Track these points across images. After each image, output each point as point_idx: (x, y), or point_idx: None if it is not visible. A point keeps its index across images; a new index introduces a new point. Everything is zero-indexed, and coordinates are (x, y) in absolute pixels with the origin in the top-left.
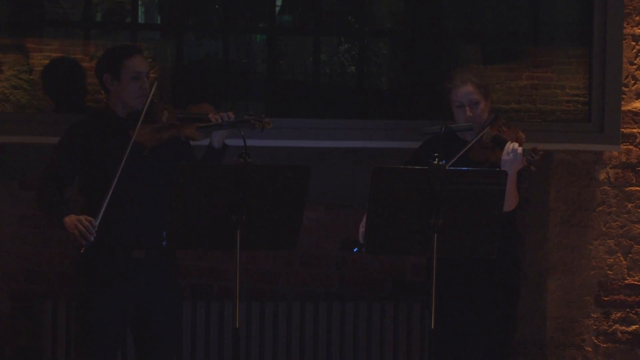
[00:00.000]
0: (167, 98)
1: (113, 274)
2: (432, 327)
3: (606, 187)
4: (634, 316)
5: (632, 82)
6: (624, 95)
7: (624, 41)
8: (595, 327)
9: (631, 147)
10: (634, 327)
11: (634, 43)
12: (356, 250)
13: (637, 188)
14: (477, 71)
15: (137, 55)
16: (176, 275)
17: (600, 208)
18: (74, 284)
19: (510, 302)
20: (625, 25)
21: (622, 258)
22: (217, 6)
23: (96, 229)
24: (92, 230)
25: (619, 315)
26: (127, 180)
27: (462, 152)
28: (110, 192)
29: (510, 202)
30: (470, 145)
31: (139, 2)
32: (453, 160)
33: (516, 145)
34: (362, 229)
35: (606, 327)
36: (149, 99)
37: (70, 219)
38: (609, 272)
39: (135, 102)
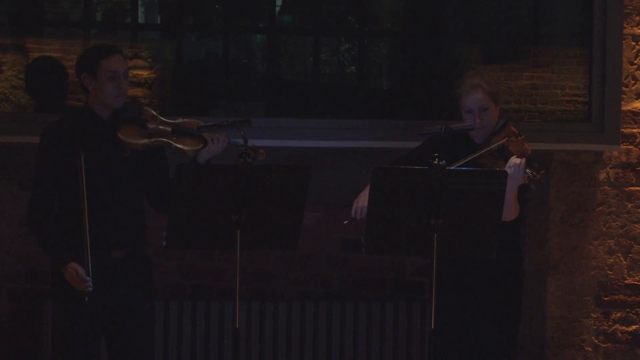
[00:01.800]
0: (164, 100)
1: (92, 274)
2: (432, 327)
3: (606, 187)
4: (634, 316)
5: (632, 82)
6: (624, 95)
7: (624, 41)
8: (595, 327)
9: (631, 147)
10: (634, 327)
11: (634, 43)
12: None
13: (637, 188)
14: (487, 76)
15: (115, 55)
16: (150, 276)
17: (600, 208)
18: (51, 283)
19: (515, 302)
20: (625, 25)
21: (622, 258)
22: (217, 6)
23: (90, 280)
24: (88, 283)
25: (619, 315)
26: (105, 179)
27: (471, 158)
28: (85, 196)
29: (511, 213)
30: (480, 153)
31: (139, 2)
32: (461, 162)
33: (519, 160)
34: (357, 204)
35: (606, 327)
36: (133, 102)
37: (69, 272)
38: (609, 272)
39: (113, 101)
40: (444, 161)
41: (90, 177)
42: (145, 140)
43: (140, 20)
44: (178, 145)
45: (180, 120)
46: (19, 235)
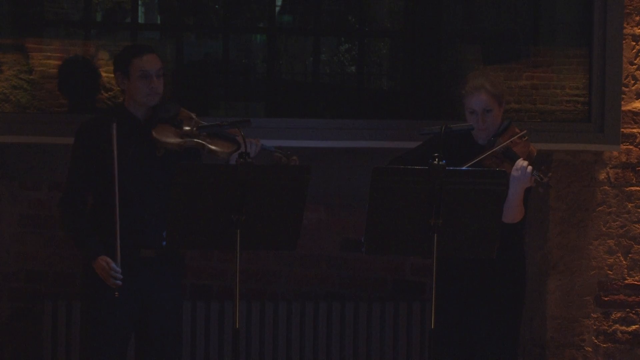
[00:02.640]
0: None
1: (122, 273)
2: (432, 327)
3: (606, 187)
4: (634, 316)
5: (632, 82)
6: (624, 95)
7: (624, 41)
8: (595, 327)
9: (631, 147)
10: (634, 327)
11: (634, 43)
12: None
13: (637, 188)
14: (491, 77)
15: (147, 54)
16: (182, 277)
17: (600, 208)
18: (81, 282)
19: (517, 302)
20: (625, 25)
21: (622, 258)
22: (217, 6)
23: (120, 274)
24: (118, 276)
25: (619, 315)
26: (137, 180)
27: (476, 160)
28: (117, 193)
29: (515, 215)
30: (485, 155)
31: (139, 2)
32: (467, 165)
33: (526, 163)
34: None
35: (606, 327)
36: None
37: (99, 264)
38: (609, 272)
39: (145, 99)
40: (444, 161)
41: (122, 176)
42: (179, 140)
43: (140, 20)
44: (211, 147)
45: (218, 123)
46: (19, 235)
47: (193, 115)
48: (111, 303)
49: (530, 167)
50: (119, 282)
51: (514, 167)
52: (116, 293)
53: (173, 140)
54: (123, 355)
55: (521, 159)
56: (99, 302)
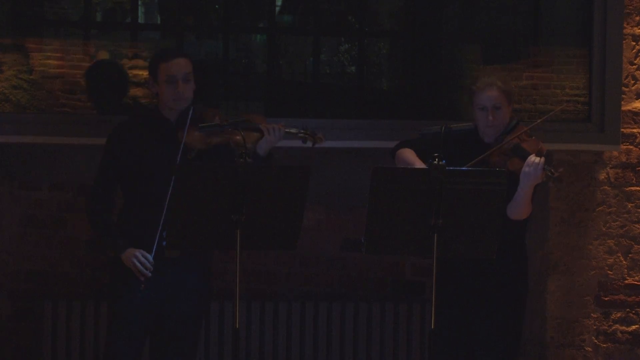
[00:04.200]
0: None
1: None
2: (432, 327)
3: (606, 187)
4: (634, 316)
5: (632, 82)
6: (624, 95)
7: (624, 41)
8: (595, 327)
9: (631, 147)
10: (634, 327)
11: (634, 43)
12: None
13: (637, 188)
14: (502, 75)
15: (174, 58)
16: (208, 279)
17: (600, 208)
18: (107, 282)
19: (519, 302)
20: (625, 25)
21: (622, 258)
22: (217, 6)
23: (152, 264)
24: (149, 266)
25: (619, 315)
26: (165, 180)
27: (482, 156)
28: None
29: (523, 211)
30: (491, 151)
31: (139, 2)
32: (472, 162)
33: (538, 159)
34: None
35: (606, 327)
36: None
37: (127, 256)
38: (609, 272)
39: (172, 104)
40: (444, 161)
41: (153, 179)
42: (206, 140)
43: (140, 20)
44: (236, 138)
45: (243, 117)
46: (19, 235)
47: (218, 113)
48: (135, 302)
49: (542, 163)
50: (149, 274)
51: (526, 163)
52: (142, 285)
53: (199, 140)
54: (139, 354)
55: (533, 154)
56: (124, 300)
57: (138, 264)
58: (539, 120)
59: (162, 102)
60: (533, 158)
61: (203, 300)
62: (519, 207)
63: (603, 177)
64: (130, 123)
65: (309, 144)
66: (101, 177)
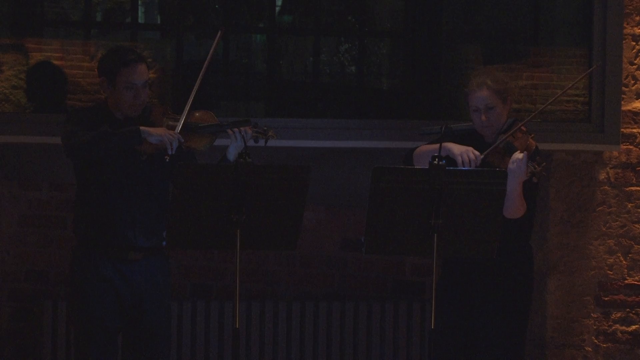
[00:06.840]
0: (168, 101)
1: (109, 275)
2: (432, 327)
3: (606, 187)
4: (634, 316)
5: (632, 82)
6: (624, 95)
7: (624, 41)
8: (595, 327)
9: (631, 147)
10: (634, 327)
11: (634, 43)
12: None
13: (637, 188)
14: (495, 74)
15: (135, 64)
16: (169, 278)
17: (600, 208)
18: (68, 282)
19: (523, 302)
20: (625, 25)
21: (622, 258)
22: (217, 6)
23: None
24: (176, 140)
25: (619, 315)
26: (124, 182)
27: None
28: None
29: (516, 210)
30: (487, 151)
31: (139, 2)
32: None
33: (521, 155)
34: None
35: (606, 327)
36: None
37: (154, 131)
38: (609, 272)
39: (128, 110)
40: (444, 161)
41: (107, 181)
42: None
43: (140, 20)
44: (190, 145)
45: (192, 115)
46: (19, 235)
47: (166, 112)
48: (100, 304)
49: (525, 159)
50: (176, 144)
51: (511, 160)
52: (167, 157)
53: (149, 145)
54: (113, 355)
55: (518, 151)
56: (88, 302)
57: (168, 137)
58: (532, 114)
59: (114, 104)
60: (517, 155)
61: (168, 297)
62: (510, 205)
63: (603, 177)
64: (87, 112)
65: (261, 143)
66: (73, 128)
